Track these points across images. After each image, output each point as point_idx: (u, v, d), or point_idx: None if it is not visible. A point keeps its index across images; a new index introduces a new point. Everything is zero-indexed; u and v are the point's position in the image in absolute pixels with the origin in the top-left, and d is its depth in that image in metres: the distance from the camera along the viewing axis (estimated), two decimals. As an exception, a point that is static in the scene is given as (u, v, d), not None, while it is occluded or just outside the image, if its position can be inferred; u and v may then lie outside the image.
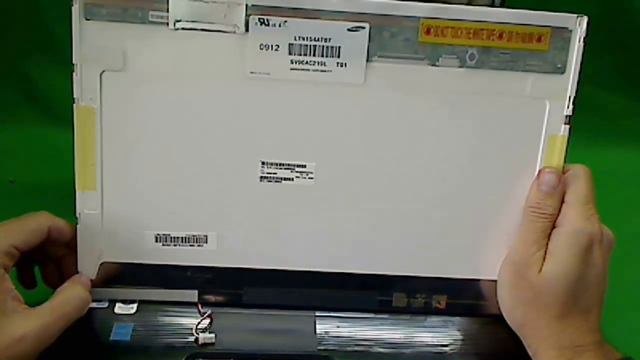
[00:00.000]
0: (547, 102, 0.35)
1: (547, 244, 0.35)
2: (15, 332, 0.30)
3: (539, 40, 0.34)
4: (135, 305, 0.37)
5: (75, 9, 0.33)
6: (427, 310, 0.38)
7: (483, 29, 0.34)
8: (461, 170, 0.36)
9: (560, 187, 0.35)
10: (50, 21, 0.59)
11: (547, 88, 0.35)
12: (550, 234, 0.35)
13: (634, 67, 0.64)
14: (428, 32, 0.34)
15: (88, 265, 0.36)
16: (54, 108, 0.61)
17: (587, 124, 0.63)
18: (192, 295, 0.37)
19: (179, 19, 0.33)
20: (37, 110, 0.61)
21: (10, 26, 0.59)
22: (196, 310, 0.37)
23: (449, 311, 0.38)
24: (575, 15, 0.35)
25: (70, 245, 0.36)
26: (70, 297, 0.33)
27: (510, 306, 0.36)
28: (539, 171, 0.36)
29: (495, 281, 0.37)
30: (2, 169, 0.56)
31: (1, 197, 0.53)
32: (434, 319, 0.38)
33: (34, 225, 0.34)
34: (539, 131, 0.36)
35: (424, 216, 0.37)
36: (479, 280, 0.38)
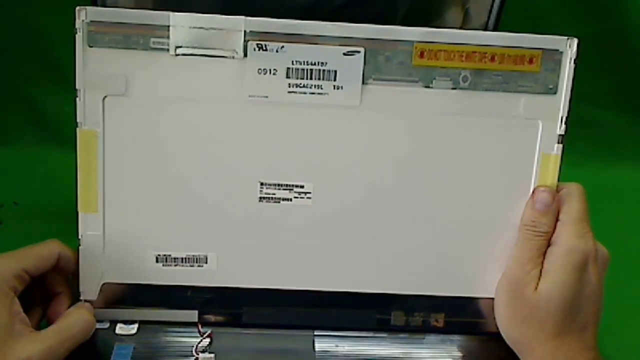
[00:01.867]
0: (540, 122, 0.36)
1: (542, 262, 0.35)
2: (20, 354, 0.30)
3: (530, 62, 0.35)
4: (136, 326, 0.37)
5: (79, 37, 0.34)
6: (426, 329, 0.38)
7: (475, 52, 0.35)
8: (457, 190, 0.37)
9: (554, 206, 0.36)
10: (54, 46, 0.60)
11: (539, 108, 0.36)
12: (545, 252, 0.35)
13: (630, 86, 0.65)
14: (422, 55, 0.35)
15: (90, 285, 0.36)
16: (57, 130, 0.61)
17: (583, 142, 0.64)
18: (192, 315, 0.37)
19: (179, 45, 0.34)
20: (41, 133, 0.62)
21: (15, 51, 0.60)
22: (196, 330, 0.37)
23: (447, 329, 0.38)
24: (566, 37, 0.36)
25: (68, 282, 0.36)
26: (75, 320, 0.34)
27: (507, 324, 0.36)
28: (534, 190, 0.36)
29: (493, 299, 0.37)
30: (6, 190, 0.57)
31: (5, 218, 0.54)
32: (432, 337, 0.38)
33: (45, 251, 0.35)
34: (533, 151, 0.36)
35: (420, 235, 0.37)
36: (476, 298, 0.38)
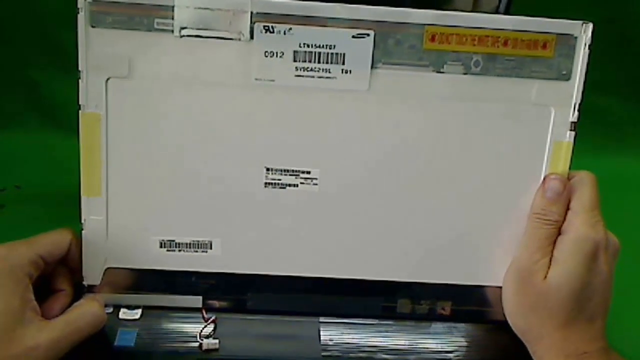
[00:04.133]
0: (552, 108, 0.35)
1: (552, 251, 0.34)
2: (29, 342, 0.30)
3: (544, 47, 0.34)
4: (139, 311, 0.37)
5: (81, 17, 0.33)
6: (432, 317, 0.38)
7: (488, 36, 0.34)
8: (466, 177, 0.36)
9: (565, 194, 0.35)
10: (55, 28, 0.59)
11: (552, 95, 0.35)
12: (555, 241, 0.35)
13: (637, 74, 0.64)
14: (433, 39, 0.34)
15: (93, 270, 0.36)
16: (59, 114, 0.61)
17: (592, 130, 0.64)
18: (197, 301, 0.37)
19: (184, 26, 0.34)
20: (43, 117, 0.62)
21: (15, 34, 0.60)
22: (200, 315, 0.37)
23: (454, 317, 0.38)
24: (581, 22, 0.35)
25: (72, 281, 0.36)
26: (85, 313, 0.34)
27: (515, 313, 0.36)
28: (544, 178, 0.36)
29: (500, 288, 0.36)
30: (8, 174, 0.57)
31: (8, 202, 0.54)
32: (438, 326, 0.38)
33: (58, 237, 0.35)
34: (544, 138, 0.36)
35: (428, 222, 0.37)
36: (483, 286, 0.37)
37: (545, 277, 0.34)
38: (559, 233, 0.35)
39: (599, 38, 0.61)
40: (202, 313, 0.37)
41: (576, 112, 0.35)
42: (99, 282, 0.36)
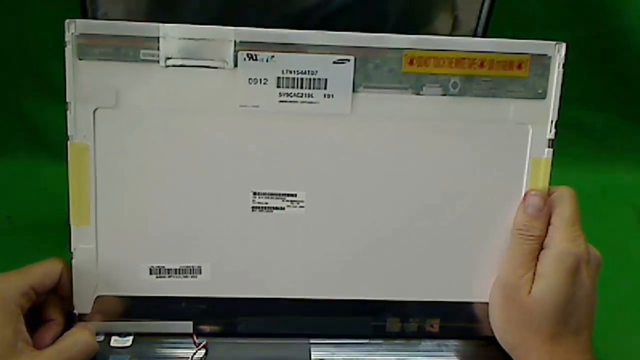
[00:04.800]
0: (530, 126, 0.36)
1: (535, 266, 0.35)
2: None
3: (519, 67, 0.35)
4: (131, 338, 0.37)
5: (69, 50, 0.34)
6: (421, 334, 0.38)
7: (464, 58, 0.35)
8: (449, 196, 0.37)
9: (546, 209, 0.36)
10: (44, 58, 0.60)
11: (529, 113, 0.36)
12: (538, 256, 0.35)
13: (620, 87, 0.65)
14: (411, 62, 0.35)
15: (83, 299, 0.36)
16: (49, 143, 0.61)
17: (575, 144, 0.65)
18: (187, 326, 0.37)
19: (169, 56, 0.35)
20: (33, 146, 0.62)
21: (6, 64, 0.60)
22: (191, 341, 0.37)
23: (443, 334, 0.38)
24: (554, 42, 0.36)
25: (63, 310, 0.36)
26: (77, 341, 0.34)
27: (502, 328, 0.36)
28: (525, 194, 0.37)
29: (487, 303, 0.37)
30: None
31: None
32: (428, 343, 0.38)
33: (50, 267, 0.35)
34: (524, 155, 0.36)
35: (414, 241, 0.37)
36: (471, 303, 0.38)
37: (530, 291, 0.34)
38: (542, 248, 0.35)
39: (582, 53, 0.63)
40: (193, 338, 0.37)
41: (553, 130, 0.36)
42: (89, 310, 0.36)
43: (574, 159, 0.65)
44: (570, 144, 0.64)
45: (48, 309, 0.36)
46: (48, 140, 0.62)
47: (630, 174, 0.65)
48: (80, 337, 0.34)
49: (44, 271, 0.35)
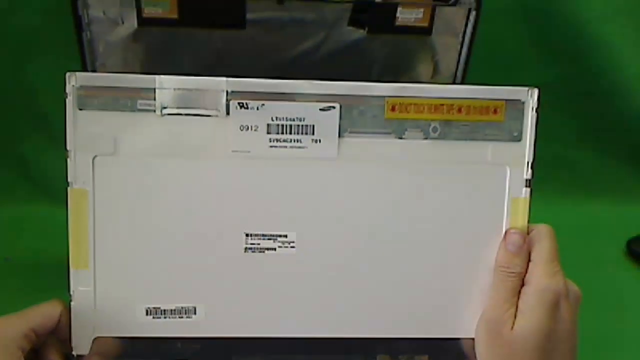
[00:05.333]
0: (508, 167, 0.38)
1: (517, 302, 0.36)
2: None
3: (495, 112, 0.37)
4: (127, 378, 0.38)
5: (69, 101, 0.36)
6: (411, 371, 0.39)
7: (443, 104, 0.37)
8: (433, 235, 0.38)
9: (525, 247, 0.37)
10: (44, 104, 0.62)
11: (506, 155, 0.38)
12: (520, 292, 0.36)
13: (600, 126, 0.68)
14: (393, 109, 0.37)
15: (81, 340, 0.37)
16: (48, 187, 0.63)
17: (560, 181, 0.67)
18: (182, 366, 0.38)
19: (165, 105, 0.36)
20: (32, 189, 0.64)
21: (5, 109, 0.62)
22: (186, 380, 0.38)
23: None
24: (527, 88, 0.38)
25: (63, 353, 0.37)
26: None
27: (488, 363, 0.37)
28: (505, 232, 0.38)
29: (473, 339, 0.38)
30: (-2, 246, 0.58)
31: (-2, 274, 0.55)
32: (417, 379, 0.39)
33: (50, 309, 0.36)
34: (502, 195, 0.38)
35: (401, 280, 0.38)
36: (458, 339, 0.39)
37: (513, 327, 0.35)
38: (523, 284, 0.37)
39: (563, 94, 0.65)
40: (188, 378, 0.38)
41: (530, 170, 0.38)
42: (87, 352, 0.37)
43: (559, 196, 0.67)
44: (555, 181, 0.67)
45: (47, 351, 0.36)
46: (46, 185, 0.63)
47: (613, 210, 0.67)
48: None
49: (44, 313, 0.36)
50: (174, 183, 0.37)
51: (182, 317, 0.38)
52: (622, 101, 0.65)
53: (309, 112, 0.37)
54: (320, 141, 0.37)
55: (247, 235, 0.38)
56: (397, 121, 0.37)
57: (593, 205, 0.67)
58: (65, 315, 0.37)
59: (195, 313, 0.38)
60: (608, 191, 0.68)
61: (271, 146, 0.37)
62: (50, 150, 0.62)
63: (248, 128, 0.37)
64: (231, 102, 0.36)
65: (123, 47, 0.46)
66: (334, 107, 0.37)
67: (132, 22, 0.45)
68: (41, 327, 0.35)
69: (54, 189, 0.62)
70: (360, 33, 0.46)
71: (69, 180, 0.37)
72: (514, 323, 0.35)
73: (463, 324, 0.38)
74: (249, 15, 0.44)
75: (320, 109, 0.37)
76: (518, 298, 0.36)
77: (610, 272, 0.59)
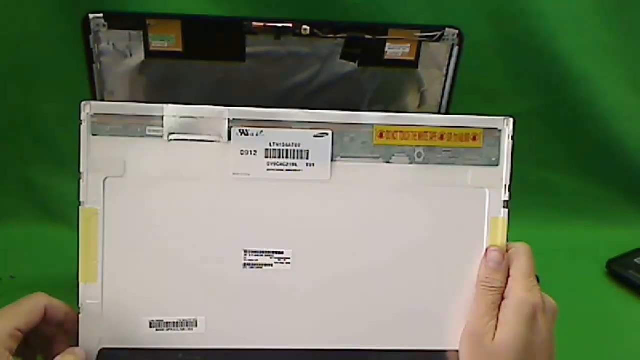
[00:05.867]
0: (487, 190, 0.41)
1: (498, 314, 0.38)
2: None
3: (474, 139, 0.41)
4: (131, 388, 0.39)
5: (84, 127, 0.39)
6: (399, 381, 0.41)
7: (427, 132, 0.40)
8: (420, 253, 0.41)
9: (505, 263, 0.40)
10: (51, 129, 0.65)
11: (485, 178, 0.41)
12: (500, 305, 0.39)
13: (581, 152, 0.71)
14: (381, 136, 0.40)
15: (88, 351, 0.39)
16: (52, 208, 0.65)
17: (541, 204, 0.70)
18: (184, 376, 0.40)
19: (172, 132, 0.39)
20: (37, 211, 0.65)
21: (13, 134, 0.65)
22: (188, 390, 0.40)
23: None
24: (503, 117, 0.41)
25: (63, 326, 0.39)
26: None
27: (471, 373, 0.39)
28: (486, 250, 0.41)
29: (458, 351, 0.40)
30: (3, 265, 0.59)
31: (3, 291, 0.56)
32: (404, 390, 0.41)
33: (31, 306, 0.37)
34: (482, 215, 0.41)
35: (391, 294, 0.41)
36: (444, 351, 0.41)
37: (494, 338, 0.38)
38: (503, 298, 0.39)
39: (544, 119, 0.69)
40: (189, 388, 0.40)
41: (507, 192, 0.41)
42: (93, 361, 0.39)
43: (543, 219, 0.70)
44: (539, 204, 0.70)
45: (56, 346, 0.38)
46: (52, 207, 0.65)
47: (594, 231, 0.70)
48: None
49: (27, 311, 0.37)
50: (179, 203, 0.40)
51: (184, 330, 0.40)
52: (601, 128, 0.68)
53: (304, 138, 0.40)
54: (314, 165, 0.40)
55: (245, 252, 0.40)
56: (384, 147, 0.40)
57: (575, 227, 0.70)
58: (52, 307, 0.38)
59: (196, 325, 0.40)
60: (589, 214, 0.71)
61: (269, 169, 0.40)
62: (55, 174, 0.64)
63: (248, 153, 0.40)
64: (232, 129, 0.39)
65: (130, 77, 0.49)
66: (326, 134, 0.40)
67: (139, 55, 0.48)
68: (25, 324, 0.36)
69: (59, 211, 0.64)
70: (352, 66, 0.49)
71: (81, 200, 0.39)
72: (494, 334, 0.38)
73: (448, 336, 0.40)
74: (248, 49, 0.48)
75: (314, 136, 0.40)
76: (498, 311, 0.39)
77: (591, 291, 0.61)
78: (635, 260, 0.64)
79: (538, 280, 0.39)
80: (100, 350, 0.39)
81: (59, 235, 0.61)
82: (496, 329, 0.38)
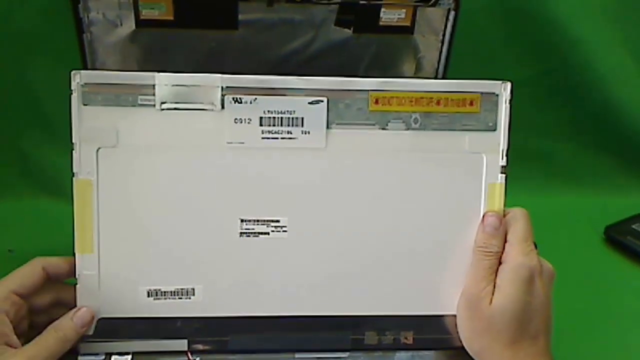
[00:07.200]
0: (484, 155, 0.41)
1: (495, 279, 0.39)
2: None
3: (471, 104, 0.40)
4: (129, 357, 0.40)
5: (74, 97, 0.38)
6: (397, 346, 0.41)
7: (423, 97, 0.40)
8: (417, 219, 0.41)
9: (502, 228, 0.40)
10: (44, 101, 0.64)
11: (482, 144, 0.41)
12: (497, 270, 0.39)
13: (578, 119, 0.70)
14: (377, 102, 0.40)
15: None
16: (48, 181, 0.64)
17: (539, 171, 0.70)
18: (182, 344, 0.40)
19: (164, 101, 0.39)
20: (33, 184, 0.65)
21: (7, 107, 0.64)
22: (186, 358, 0.40)
23: (417, 346, 0.41)
24: (500, 81, 0.40)
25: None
26: (57, 327, 0.37)
27: (468, 337, 0.39)
28: (483, 215, 0.41)
29: (455, 315, 0.40)
30: (1, 239, 0.59)
31: (1, 265, 0.56)
32: (402, 354, 0.41)
33: (27, 269, 0.39)
34: (480, 181, 0.41)
35: (388, 261, 0.41)
36: (441, 316, 0.41)
37: (491, 302, 0.38)
38: (500, 262, 0.39)
39: (542, 88, 0.68)
40: (188, 355, 0.40)
41: (504, 157, 0.41)
42: (92, 332, 0.39)
43: (540, 185, 0.70)
44: (536, 171, 0.70)
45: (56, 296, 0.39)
46: (46, 179, 0.64)
47: (592, 198, 0.69)
48: (61, 325, 0.37)
49: (22, 275, 0.38)
50: (173, 173, 0.39)
51: (181, 298, 0.40)
52: (598, 94, 0.68)
53: (298, 105, 0.39)
54: (309, 132, 0.40)
55: (242, 220, 0.40)
56: (380, 113, 0.40)
57: (572, 194, 0.70)
58: (51, 266, 0.39)
59: (193, 294, 0.40)
60: (587, 181, 0.71)
61: (264, 137, 0.39)
62: (49, 145, 0.63)
63: (242, 121, 0.39)
64: (226, 97, 0.39)
65: (121, 47, 0.48)
66: (321, 101, 0.39)
67: (130, 24, 0.47)
68: (21, 287, 0.37)
69: (53, 183, 0.64)
70: (346, 33, 0.48)
71: (74, 170, 0.39)
72: (492, 298, 0.38)
73: (445, 301, 0.41)
74: (240, 17, 0.47)
75: (309, 103, 0.39)
76: (496, 275, 0.39)
77: (589, 257, 0.61)
78: (633, 226, 0.64)
79: (535, 247, 0.40)
80: (99, 320, 0.40)
81: (56, 208, 0.61)
82: (493, 293, 0.38)
